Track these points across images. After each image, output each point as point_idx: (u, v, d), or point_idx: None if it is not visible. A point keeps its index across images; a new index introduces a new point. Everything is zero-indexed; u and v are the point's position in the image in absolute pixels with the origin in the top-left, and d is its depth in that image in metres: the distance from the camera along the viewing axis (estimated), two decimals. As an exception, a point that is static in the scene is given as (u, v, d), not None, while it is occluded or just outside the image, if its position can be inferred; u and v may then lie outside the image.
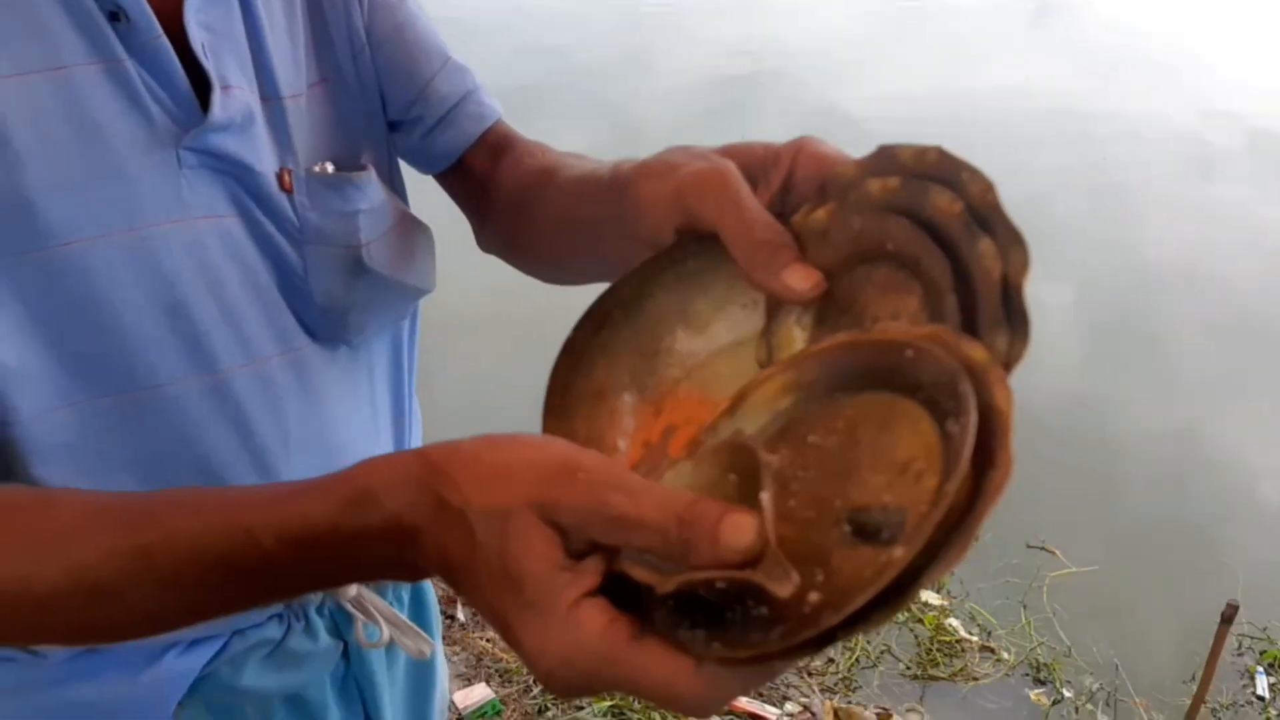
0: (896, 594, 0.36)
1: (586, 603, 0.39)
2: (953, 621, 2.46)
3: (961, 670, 2.32)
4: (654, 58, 6.23)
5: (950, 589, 2.57)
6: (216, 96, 0.64)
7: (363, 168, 0.73)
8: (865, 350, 0.44)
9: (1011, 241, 0.43)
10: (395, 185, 0.80)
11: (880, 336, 0.45)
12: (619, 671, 0.39)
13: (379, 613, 0.81)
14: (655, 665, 0.38)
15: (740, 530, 0.38)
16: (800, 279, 0.50)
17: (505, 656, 2.19)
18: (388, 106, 0.77)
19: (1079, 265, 3.99)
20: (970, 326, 0.43)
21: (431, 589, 0.94)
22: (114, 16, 0.60)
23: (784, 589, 0.37)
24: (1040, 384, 3.37)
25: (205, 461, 0.69)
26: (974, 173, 0.45)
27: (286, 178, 0.69)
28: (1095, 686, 2.31)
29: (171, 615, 0.49)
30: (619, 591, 0.40)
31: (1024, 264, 0.43)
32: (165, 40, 0.62)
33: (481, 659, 2.19)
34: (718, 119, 5.14)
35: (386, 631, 0.80)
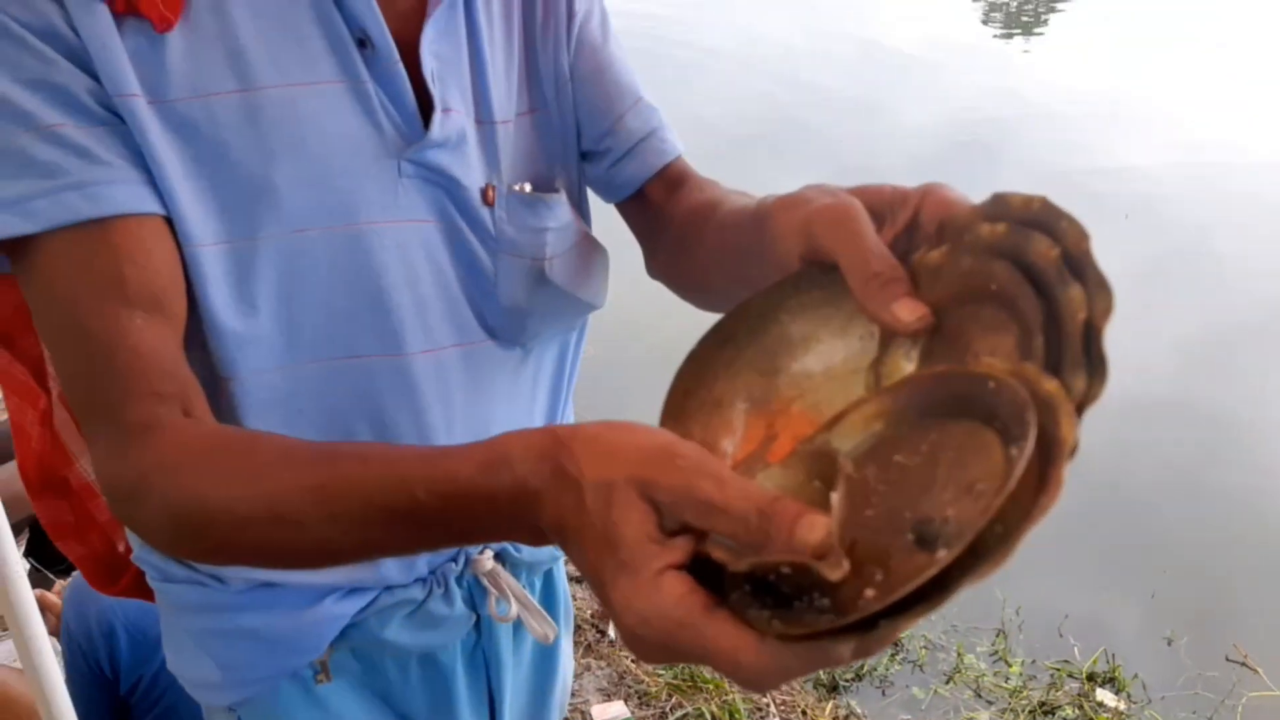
0: (939, 591, 0.39)
1: (671, 573, 0.43)
2: (1128, 728, 2.29)
3: (1131, 780, 2.16)
4: (894, 101, 6.05)
5: (1132, 693, 2.39)
6: (437, 117, 0.74)
7: (556, 190, 0.81)
8: (954, 381, 0.47)
9: (1098, 288, 0.46)
10: (582, 209, 0.87)
11: (969, 370, 0.47)
12: (691, 637, 0.43)
13: (510, 590, 0.87)
14: (723, 635, 0.42)
15: (813, 528, 0.42)
16: (908, 311, 0.52)
17: (647, 678, 2.22)
18: (582, 137, 0.85)
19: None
20: (1055, 366, 0.45)
21: (565, 582, 1.00)
22: (362, 44, 0.71)
23: (834, 573, 0.41)
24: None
25: (380, 430, 0.77)
26: (1072, 222, 0.48)
27: (490, 193, 0.78)
28: (1282, 825, 2.08)
29: (342, 548, 0.57)
30: (705, 574, 0.44)
31: (1107, 310, 0.45)
32: (401, 67, 0.72)
33: (624, 677, 2.23)
34: (946, 171, 5.02)
35: (515, 608, 0.87)
